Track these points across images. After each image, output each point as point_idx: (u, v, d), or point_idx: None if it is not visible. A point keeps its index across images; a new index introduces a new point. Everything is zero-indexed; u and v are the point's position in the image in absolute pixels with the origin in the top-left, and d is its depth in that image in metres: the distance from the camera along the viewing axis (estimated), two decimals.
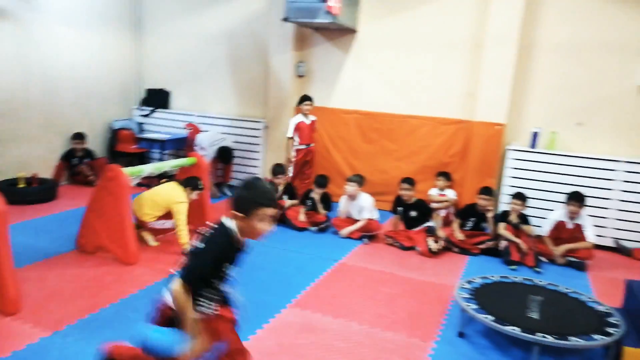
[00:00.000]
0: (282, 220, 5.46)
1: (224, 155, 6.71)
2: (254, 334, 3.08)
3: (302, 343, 3.06)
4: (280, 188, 5.74)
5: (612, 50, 5.51)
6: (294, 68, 6.71)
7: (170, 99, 7.81)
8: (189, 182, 4.64)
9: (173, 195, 4.51)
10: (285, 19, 5.96)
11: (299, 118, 6.13)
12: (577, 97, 5.72)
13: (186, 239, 4.39)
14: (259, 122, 7.05)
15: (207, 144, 6.53)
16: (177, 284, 1.92)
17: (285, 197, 5.65)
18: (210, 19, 7.31)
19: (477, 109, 5.95)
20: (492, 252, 4.98)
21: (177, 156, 6.49)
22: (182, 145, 7.18)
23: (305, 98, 6.15)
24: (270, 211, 1.92)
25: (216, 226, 1.99)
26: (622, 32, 5.45)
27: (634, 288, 3.46)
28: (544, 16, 5.72)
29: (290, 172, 6.15)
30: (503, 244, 4.93)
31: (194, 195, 4.66)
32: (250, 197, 1.91)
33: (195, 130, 7.04)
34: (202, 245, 1.96)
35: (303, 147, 6.18)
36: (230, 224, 1.96)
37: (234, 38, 7.21)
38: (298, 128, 6.10)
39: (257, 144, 7.11)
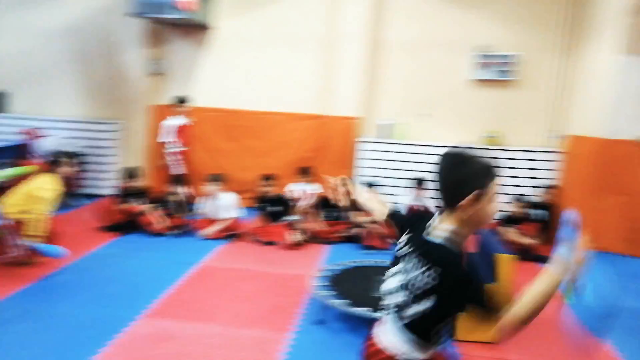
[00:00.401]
0: (135, 227, 5.16)
1: None
2: (95, 353, 2.85)
3: (154, 354, 2.92)
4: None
5: (445, 49, 6.13)
6: (147, 65, 6.37)
7: (8, 102, 6.92)
8: (52, 163, 4.25)
9: (44, 184, 4.09)
10: (131, 14, 5.62)
11: (180, 120, 5.81)
12: (422, 91, 6.27)
13: (37, 232, 3.96)
14: (111, 123, 6.57)
15: (50, 150, 5.91)
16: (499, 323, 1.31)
17: (138, 202, 5.29)
18: (53, 12, 6.64)
19: (332, 104, 6.21)
20: (352, 239, 5.24)
21: (14, 165, 5.79)
22: (19, 154, 6.39)
23: (183, 100, 5.85)
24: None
25: (443, 256, 1.39)
26: (452, 32, 6.09)
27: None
28: (390, 17, 6.16)
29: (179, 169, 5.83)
30: (357, 230, 5.21)
31: (71, 166, 4.33)
32: (478, 173, 1.36)
33: (34, 136, 6.33)
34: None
35: (184, 149, 5.87)
36: (445, 235, 1.40)
37: (81, 34, 6.62)
38: (180, 130, 5.78)
39: (111, 147, 6.63)
